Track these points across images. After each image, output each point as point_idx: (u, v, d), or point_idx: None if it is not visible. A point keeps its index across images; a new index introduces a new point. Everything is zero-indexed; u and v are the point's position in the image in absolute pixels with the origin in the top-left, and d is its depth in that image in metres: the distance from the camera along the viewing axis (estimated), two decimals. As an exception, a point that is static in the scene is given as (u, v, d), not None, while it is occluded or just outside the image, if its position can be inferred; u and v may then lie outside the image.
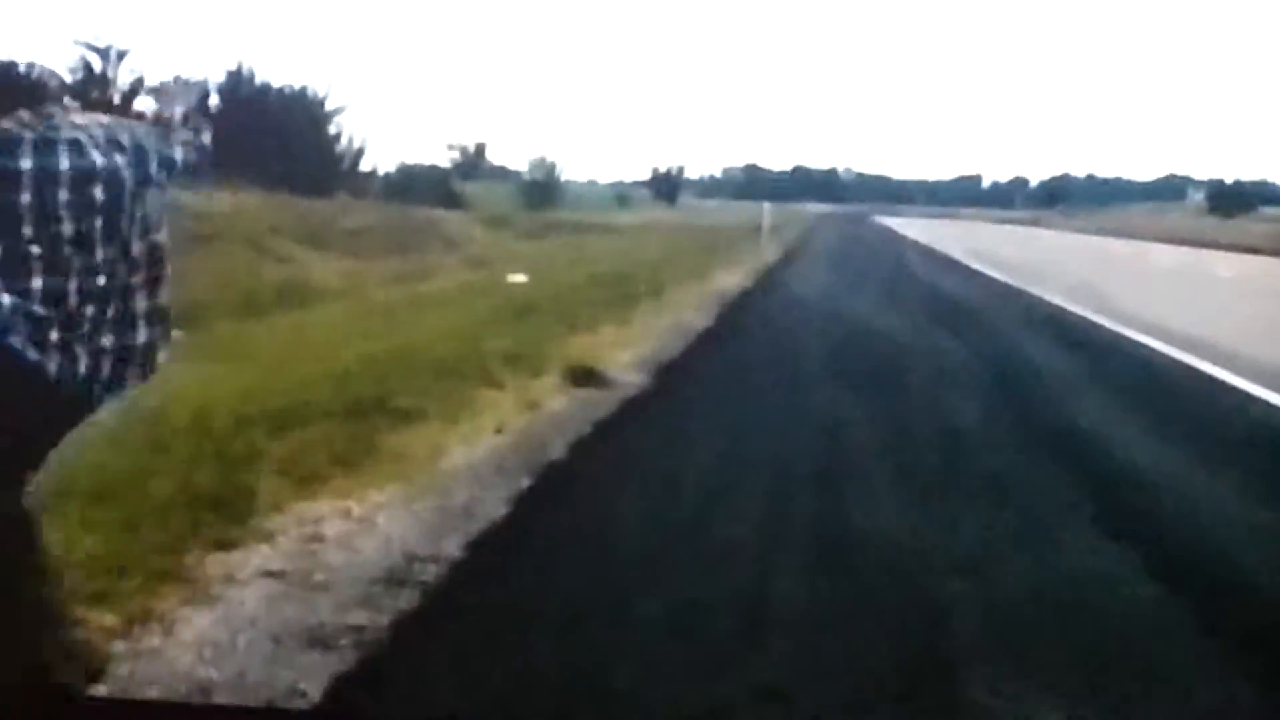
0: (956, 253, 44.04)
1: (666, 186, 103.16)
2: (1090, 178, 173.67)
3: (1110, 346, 16.67)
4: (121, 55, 39.99)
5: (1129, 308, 21.58)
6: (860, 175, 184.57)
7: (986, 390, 12.65)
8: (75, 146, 4.07)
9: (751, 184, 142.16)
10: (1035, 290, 26.13)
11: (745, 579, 6.20)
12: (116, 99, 39.81)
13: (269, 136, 41.29)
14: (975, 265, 37.21)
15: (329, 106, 47.96)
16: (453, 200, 52.65)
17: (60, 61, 46.74)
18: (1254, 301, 27.04)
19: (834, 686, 4.91)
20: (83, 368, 4.12)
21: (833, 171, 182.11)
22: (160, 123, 4.59)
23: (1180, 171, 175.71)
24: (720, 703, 4.75)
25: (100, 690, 4.55)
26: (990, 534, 7.15)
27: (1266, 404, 11.83)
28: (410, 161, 65.88)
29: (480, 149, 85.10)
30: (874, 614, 5.76)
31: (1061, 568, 6.55)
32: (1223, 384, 12.95)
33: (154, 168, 4.26)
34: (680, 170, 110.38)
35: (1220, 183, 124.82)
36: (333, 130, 48.10)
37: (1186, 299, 26.48)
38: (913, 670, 5.12)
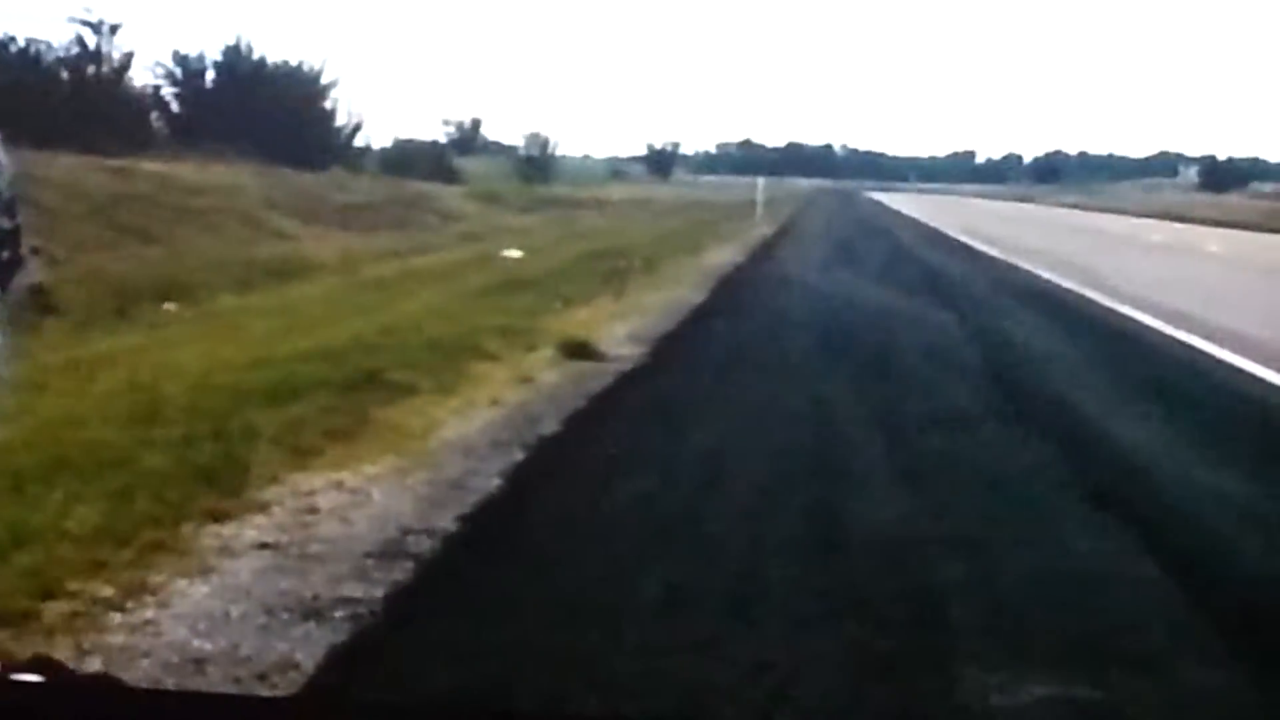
0: (950, 229, 43.90)
1: (661, 162, 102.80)
2: (1083, 154, 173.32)
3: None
4: (114, 29, 39.78)
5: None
6: (854, 151, 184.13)
7: (977, 386, 11.69)
8: None
9: (746, 160, 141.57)
10: (1025, 265, 26.12)
11: (739, 570, 6.20)
12: (109, 73, 39.68)
13: (265, 111, 41.19)
14: (965, 239, 37.18)
15: (324, 80, 47.81)
16: (448, 175, 52.43)
17: (56, 35, 46.56)
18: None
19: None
20: None
21: (827, 147, 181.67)
22: None
23: (1173, 148, 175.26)
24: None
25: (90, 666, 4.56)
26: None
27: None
28: (406, 136, 65.52)
29: (476, 124, 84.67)
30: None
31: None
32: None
33: None
34: (675, 146, 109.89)
35: (1212, 159, 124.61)
36: (329, 105, 47.95)
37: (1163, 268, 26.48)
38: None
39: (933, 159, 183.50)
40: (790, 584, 5.84)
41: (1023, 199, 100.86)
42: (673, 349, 13.22)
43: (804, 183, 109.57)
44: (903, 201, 79.27)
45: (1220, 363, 12.80)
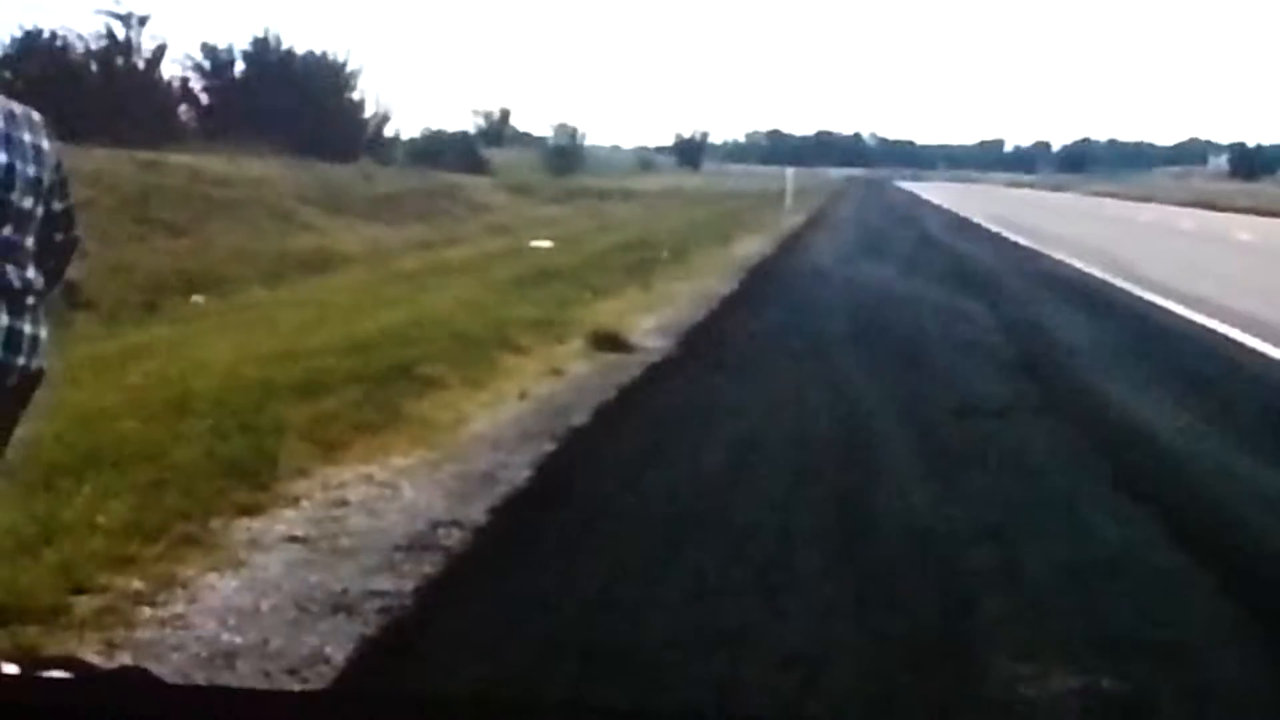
0: (983, 219, 43.73)
1: (690, 151, 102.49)
2: (1113, 141, 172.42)
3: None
4: (142, 21, 39.84)
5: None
6: (883, 140, 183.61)
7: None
8: None
9: (775, 149, 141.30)
10: (1059, 255, 26.03)
11: (767, 559, 6.18)
12: (140, 65, 39.77)
13: (293, 102, 41.27)
14: (995, 229, 37.06)
15: (352, 71, 47.83)
16: (477, 166, 52.46)
17: (85, 27, 46.74)
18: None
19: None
20: None
21: (856, 136, 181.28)
22: None
23: (1202, 135, 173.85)
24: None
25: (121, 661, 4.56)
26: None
27: None
28: (435, 127, 65.62)
29: (505, 114, 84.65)
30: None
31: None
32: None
33: None
34: (704, 135, 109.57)
35: (1242, 146, 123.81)
36: (357, 96, 48.00)
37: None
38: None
39: (962, 147, 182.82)
40: (819, 573, 5.82)
41: (1055, 188, 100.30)
42: (702, 340, 13.18)
43: (833, 172, 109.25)
44: (933, 191, 78.95)
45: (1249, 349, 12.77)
